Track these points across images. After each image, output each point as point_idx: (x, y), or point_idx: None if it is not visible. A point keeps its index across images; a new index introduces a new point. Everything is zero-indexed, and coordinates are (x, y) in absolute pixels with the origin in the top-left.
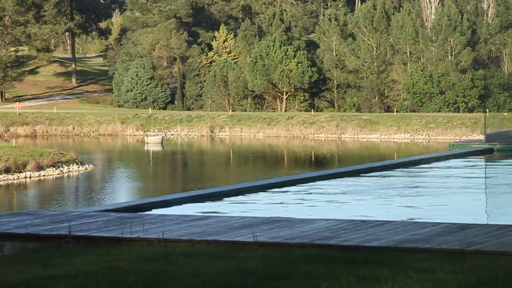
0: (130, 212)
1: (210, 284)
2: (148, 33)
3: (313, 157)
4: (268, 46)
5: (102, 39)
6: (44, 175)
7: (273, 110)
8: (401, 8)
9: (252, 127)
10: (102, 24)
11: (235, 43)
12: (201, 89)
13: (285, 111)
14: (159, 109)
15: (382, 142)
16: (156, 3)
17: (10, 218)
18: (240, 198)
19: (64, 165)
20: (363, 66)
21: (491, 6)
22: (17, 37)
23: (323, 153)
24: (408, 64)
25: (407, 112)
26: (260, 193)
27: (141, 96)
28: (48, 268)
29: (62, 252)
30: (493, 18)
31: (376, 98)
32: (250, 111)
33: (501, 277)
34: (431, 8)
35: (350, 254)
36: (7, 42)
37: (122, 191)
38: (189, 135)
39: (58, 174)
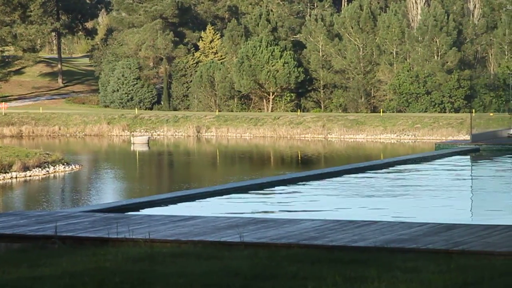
0: (116, 213)
1: (196, 284)
2: (134, 33)
3: (299, 157)
4: (254, 47)
5: (88, 39)
6: (30, 176)
7: (259, 111)
8: (387, 9)
9: (238, 128)
10: (88, 24)
11: (221, 43)
12: (187, 90)
13: (271, 111)
14: (145, 110)
15: (368, 142)
16: (142, 4)
17: None
18: (226, 198)
19: (50, 166)
20: (350, 66)
21: (477, 6)
22: (3, 37)
23: (310, 154)
24: (395, 65)
25: (393, 112)
26: (247, 193)
27: (127, 96)
28: (34, 268)
29: (48, 252)
30: (479, 19)
31: (363, 98)
32: (237, 111)
33: (487, 277)
34: (417, 8)
35: (337, 254)
36: None
37: (108, 191)
38: (176, 135)
39: (44, 174)
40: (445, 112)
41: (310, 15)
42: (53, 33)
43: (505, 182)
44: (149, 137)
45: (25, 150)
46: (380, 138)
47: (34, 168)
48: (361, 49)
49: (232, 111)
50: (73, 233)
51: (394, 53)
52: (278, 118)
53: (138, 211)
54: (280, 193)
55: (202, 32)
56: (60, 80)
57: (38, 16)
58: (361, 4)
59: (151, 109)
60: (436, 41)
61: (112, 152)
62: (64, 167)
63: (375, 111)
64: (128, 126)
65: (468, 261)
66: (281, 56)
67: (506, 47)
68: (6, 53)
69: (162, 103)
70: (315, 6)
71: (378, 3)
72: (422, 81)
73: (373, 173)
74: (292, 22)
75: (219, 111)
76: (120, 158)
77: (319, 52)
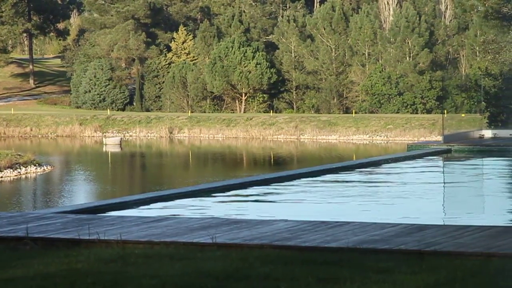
0: (88, 214)
1: (168, 285)
2: (106, 34)
3: (272, 158)
4: (227, 47)
5: (60, 40)
6: (1, 177)
7: (232, 111)
8: (359, 10)
9: (211, 128)
10: (60, 25)
11: (194, 44)
12: (159, 90)
13: (244, 112)
14: (117, 110)
15: (341, 143)
16: (114, 4)
17: None
18: (199, 199)
19: (21, 167)
20: (322, 67)
21: (448, 7)
22: None
23: (282, 154)
24: (367, 66)
25: (365, 113)
26: (219, 194)
27: (100, 97)
28: (6, 270)
29: (19, 254)
30: (450, 20)
31: (335, 99)
32: (209, 112)
33: (459, 277)
34: (389, 9)
35: (309, 255)
36: None
37: (81, 192)
38: (148, 136)
39: (16, 175)
40: (417, 113)
41: (282, 16)
42: (25, 34)
43: (477, 183)
44: (121, 138)
45: None
46: (352, 139)
47: (5, 169)
48: (334, 50)
49: (204, 112)
50: (45, 234)
51: (366, 54)
52: (250, 119)
53: (110, 212)
54: (253, 194)
55: (175, 33)
56: (31, 81)
57: (10, 16)
58: (333, 5)
59: (123, 110)
60: (408, 42)
61: (84, 153)
62: (36, 168)
63: (347, 112)
64: (100, 127)
65: (440, 262)
66: (253, 57)
67: (477, 48)
68: None
69: (135, 104)
70: (288, 7)
71: (350, 4)
72: (394, 82)
73: (345, 173)
74: (264, 23)
75: (192, 112)
76: (92, 159)
77: (291, 53)
